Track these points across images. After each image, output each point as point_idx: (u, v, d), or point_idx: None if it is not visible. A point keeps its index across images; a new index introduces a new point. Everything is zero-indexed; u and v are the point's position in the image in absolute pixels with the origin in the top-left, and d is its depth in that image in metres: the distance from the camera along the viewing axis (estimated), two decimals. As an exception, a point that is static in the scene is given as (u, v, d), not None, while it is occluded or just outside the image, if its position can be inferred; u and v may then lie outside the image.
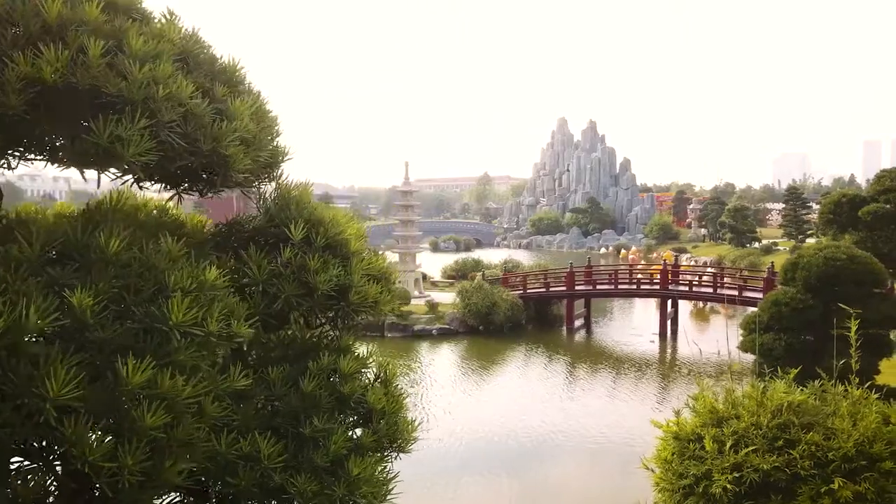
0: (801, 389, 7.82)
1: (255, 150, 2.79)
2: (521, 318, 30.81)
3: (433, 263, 46.93)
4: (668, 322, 30.23)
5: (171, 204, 3.17)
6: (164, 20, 2.85)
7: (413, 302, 31.55)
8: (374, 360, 3.16)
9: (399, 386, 3.27)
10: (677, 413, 7.99)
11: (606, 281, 33.12)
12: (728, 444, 6.98)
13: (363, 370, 3.08)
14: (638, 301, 36.30)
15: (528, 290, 32.56)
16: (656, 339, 29.26)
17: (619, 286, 32.53)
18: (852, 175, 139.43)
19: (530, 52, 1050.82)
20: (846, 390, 7.54)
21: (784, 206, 64.22)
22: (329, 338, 3.30)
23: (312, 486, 2.63)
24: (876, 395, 7.48)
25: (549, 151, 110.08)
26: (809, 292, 10.76)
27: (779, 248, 56.29)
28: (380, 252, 3.49)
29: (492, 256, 49.74)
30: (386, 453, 2.99)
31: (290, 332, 3.18)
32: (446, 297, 32.56)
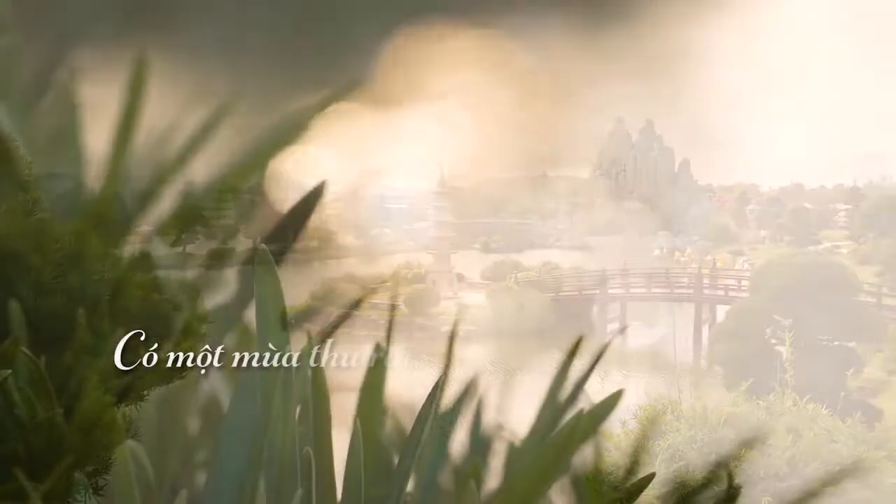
0: (758, 402, 7.54)
1: None
2: (550, 320, 30.38)
3: (478, 264, 46.81)
4: (706, 328, 29.26)
5: None
6: None
7: (443, 303, 31.58)
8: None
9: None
10: (624, 424, 7.80)
11: (641, 284, 32.33)
12: (659, 459, 6.77)
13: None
14: (686, 305, 35.33)
15: (561, 293, 32.09)
16: (689, 346, 28.37)
17: (653, 289, 31.68)
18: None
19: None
20: (794, 404, 7.23)
21: (848, 207, 61.54)
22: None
23: None
24: (828, 412, 7.15)
25: (605, 151, 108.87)
26: (777, 301, 10.34)
27: (841, 250, 53.88)
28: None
29: (538, 257, 49.22)
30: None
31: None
32: (479, 299, 32.45)
